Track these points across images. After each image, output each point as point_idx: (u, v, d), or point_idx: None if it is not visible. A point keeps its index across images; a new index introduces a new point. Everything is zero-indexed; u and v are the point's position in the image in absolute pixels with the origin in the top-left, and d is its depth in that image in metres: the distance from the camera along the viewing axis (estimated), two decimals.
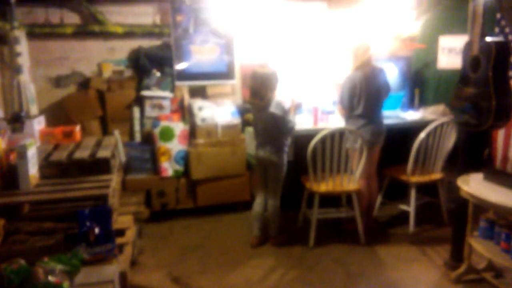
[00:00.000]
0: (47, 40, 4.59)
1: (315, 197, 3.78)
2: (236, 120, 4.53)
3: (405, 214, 4.16)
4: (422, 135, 3.89)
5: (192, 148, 4.41)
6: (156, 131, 4.35)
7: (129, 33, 4.70)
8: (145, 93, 4.48)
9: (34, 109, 4.16)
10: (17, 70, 4.04)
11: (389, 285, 3.28)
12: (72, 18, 4.63)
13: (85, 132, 4.18)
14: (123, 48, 4.78)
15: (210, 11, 4.75)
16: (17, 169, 2.55)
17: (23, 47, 4.11)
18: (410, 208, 4.06)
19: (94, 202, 2.71)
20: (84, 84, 4.70)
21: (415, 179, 4.02)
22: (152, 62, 4.67)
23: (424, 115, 4.59)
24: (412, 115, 4.58)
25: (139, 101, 4.57)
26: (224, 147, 4.44)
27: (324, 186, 3.77)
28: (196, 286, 3.28)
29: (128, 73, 4.70)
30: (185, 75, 4.76)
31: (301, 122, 4.24)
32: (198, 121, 4.40)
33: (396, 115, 4.60)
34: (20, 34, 4.09)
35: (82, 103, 4.49)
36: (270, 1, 4.89)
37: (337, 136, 3.60)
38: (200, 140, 4.41)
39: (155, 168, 4.42)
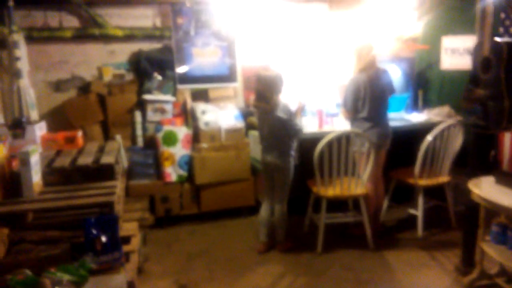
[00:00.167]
0: (46, 44, 4.52)
1: (323, 201, 3.71)
2: (239, 123, 4.47)
3: (412, 217, 4.10)
4: (429, 137, 3.83)
5: (196, 153, 4.34)
6: (159, 135, 4.28)
7: (129, 36, 4.64)
8: (147, 97, 4.41)
9: (34, 114, 4.07)
10: (16, 74, 3.97)
11: None
12: (71, 22, 4.56)
13: (86, 137, 4.09)
14: (123, 52, 4.71)
15: (211, 13, 4.71)
16: (20, 176, 2.47)
17: (22, 51, 4.04)
18: (418, 212, 4.00)
19: (99, 209, 2.65)
20: (85, 88, 4.63)
21: (423, 182, 3.96)
22: (153, 66, 4.60)
23: (429, 117, 4.53)
24: (417, 117, 4.53)
25: (141, 105, 4.50)
26: (228, 151, 4.38)
27: (331, 191, 3.71)
28: None
29: (129, 76, 4.64)
30: (186, 78, 4.70)
31: (306, 125, 4.17)
32: (201, 125, 4.33)
33: (400, 117, 4.54)
34: (19, 38, 4.01)
35: (83, 108, 4.42)
36: (272, 2, 4.84)
37: (344, 140, 3.54)
38: (204, 145, 4.34)
39: (159, 173, 4.35)
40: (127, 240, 2.94)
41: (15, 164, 2.58)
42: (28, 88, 4.08)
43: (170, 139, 4.28)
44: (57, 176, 2.71)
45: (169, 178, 4.30)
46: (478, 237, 3.10)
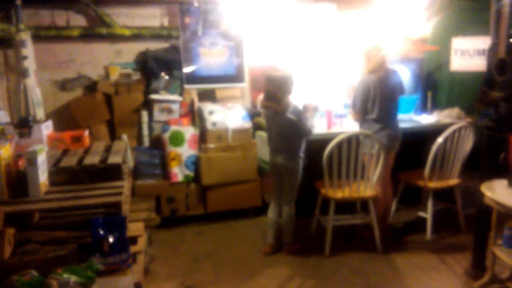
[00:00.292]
0: (53, 43, 4.50)
1: (331, 203, 3.67)
2: (247, 124, 4.43)
3: (421, 220, 4.05)
4: (440, 139, 3.78)
5: (203, 153, 4.31)
6: (166, 135, 4.25)
7: (136, 36, 4.61)
8: (154, 96, 4.38)
9: (40, 113, 4.05)
10: (23, 73, 3.95)
11: None
12: (78, 21, 4.54)
13: (92, 136, 4.06)
14: (130, 51, 4.69)
15: (219, 13, 4.67)
16: (27, 176, 2.44)
17: (29, 50, 4.02)
18: (428, 214, 3.94)
19: (106, 210, 2.62)
20: (91, 87, 4.60)
21: (433, 184, 3.91)
22: (160, 65, 4.57)
23: (439, 118, 4.48)
24: (426, 119, 4.48)
25: (147, 104, 4.47)
26: (235, 151, 4.35)
27: (340, 192, 3.66)
28: None
29: (135, 76, 4.60)
30: (194, 78, 4.67)
31: (315, 126, 4.13)
32: (208, 125, 4.30)
33: (410, 118, 4.50)
34: (26, 37, 4.00)
35: (89, 107, 4.40)
36: (280, 2, 4.80)
37: (354, 141, 3.49)
38: (211, 145, 4.30)
39: (165, 174, 4.31)
40: (133, 240, 2.92)
41: (22, 163, 2.55)
42: (35, 87, 4.06)
43: (177, 139, 4.25)
44: (63, 175, 2.68)
45: (176, 178, 4.27)
46: (490, 241, 3.05)
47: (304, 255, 3.72)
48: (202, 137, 4.41)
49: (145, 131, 4.44)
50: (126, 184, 2.78)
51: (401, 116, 4.22)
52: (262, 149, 4.37)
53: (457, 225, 4.13)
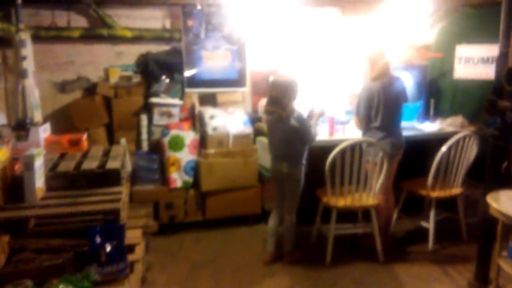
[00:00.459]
0: (53, 44, 4.44)
1: (333, 212, 3.61)
2: (248, 129, 4.37)
3: (422, 229, 4.01)
4: (444, 148, 3.73)
5: (203, 159, 4.24)
6: (166, 140, 4.18)
7: (138, 38, 4.55)
8: (154, 100, 4.32)
9: (38, 115, 3.98)
10: (21, 74, 3.88)
11: None
12: (79, 21, 4.48)
13: (90, 140, 3.99)
14: (131, 53, 4.63)
15: (222, 16, 4.61)
16: (23, 180, 2.37)
17: (28, 50, 3.95)
18: (430, 224, 3.89)
19: (103, 216, 2.55)
20: (90, 89, 4.54)
21: (436, 194, 3.86)
22: (161, 68, 4.51)
23: (442, 126, 4.43)
24: (429, 127, 4.43)
25: (147, 108, 4.41)
26: (236, 157, 4.28)
27: (342, 201, 3.60)
28: None
29: (136, 79, 4.54)
30: (195, 82, 4.62)
31: (318, 133, 4.07)
32: (209, 130, 4.23)
33: (412, 126, 4.44)
34: (25, 37, 3.93)
35: (88, 110, 4.33)
36: (284, 6, 4.75)
37: (357, 149, 3.43)
38: (211, 150, 4.24)
39: (164, 179, 4.25)
40: (131, 248, 2.85)
41: (18, 167, 2.48)
42: (33, 89, 3.99)
43: (177, 143, 4.18)
44: (61, 180, 2.61)
45: (174, 184, 4.20)
46: (495, 253, 3.00)
47: (304, 265, 3.66)
48: (202, 142, 4.35)
49: (144, 135, 4.38)
50: (124, 190, 2.71)
51: (403, 123, 4.15)
52: (263, 155, 4.31)
53: (459, 235, 4.09)
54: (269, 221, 3.74)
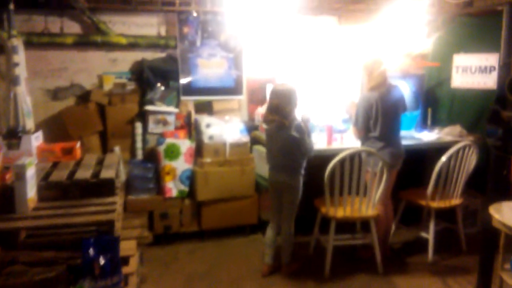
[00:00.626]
0: (46, 50, 4.36)
1: (331, 223, 3.54)
2: (245, 137, 4.30)
3: (421, 240, 3.96)
4: (444, 158, 3.68)
5: (199, 168, 4.17)
6: (161, 148, 4.10)
7: (132, 44, 4.48)
8: (149, 107, 4.24)
9: (30, 123, 3.88)
10: (13, 81, 3.79)
11: None
12: (72, 28, 4.40)
13: (83, 148, 3.91)
14: (125, 60, 4.55)
15: (218, 24, 4.56)
16: (14, 191, 2.28)
17: (20, 57, 3.86)
18: (429, 235, 3.83)
19: (97, 228, 2.47)
20: (84, 97, 4.45)
21: (435, 204, 3.80)
22: (156, 75, 4.44)
23: (440, 136, 4.39)
24: (427, 136, 4.39)
25: (142, 116, 4.33)
26: (232, 166, 4.21)
27: (341, 212, 3.53)
28: None
29: (130, 86, 4.46)
30: (191, 90, 4.55)
31: (316, 142, 4.01)
32: (205, 139, 4.16)
33: (410, 135, 4.40)
34: (18, 43, 3.84)
35: (81, 117, 4.24)
36: (280, 15, 4.71)
37: (357, 158, 3.38)
38: (207, 159, 4.16)
39: (159, 188, 4.16)
40: (125, 260, 2.76)
41: (9, 176, 2.40)
42: (25, 96, 3.89)
43: (173, 152, 4.10)
44: (53, 190, 2.53)
45: (170, 193, 4.12)
46: (497, 265, 2.94)
47: (302, 277, 3.58)
48: (198, 151, 4.28)
49: (139, 144, 4.29)
50: (118, 200, 2.63)
51: (402, 132, 4.12)
52: (260, 164, 4.24)
53: (458, 246, 4.03)
54: (266, 232, 3.66)
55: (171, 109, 4.34)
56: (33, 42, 4.21)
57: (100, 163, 2.98)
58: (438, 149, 3.98)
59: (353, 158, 3.38)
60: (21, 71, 3.84)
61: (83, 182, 2.56)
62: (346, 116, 4.53)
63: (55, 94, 4.45)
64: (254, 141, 4.47)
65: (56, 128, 4.24)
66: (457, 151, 3.69)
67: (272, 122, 3.43)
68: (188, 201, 4.22)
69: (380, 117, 3.54)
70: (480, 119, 4.42)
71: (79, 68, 4.47)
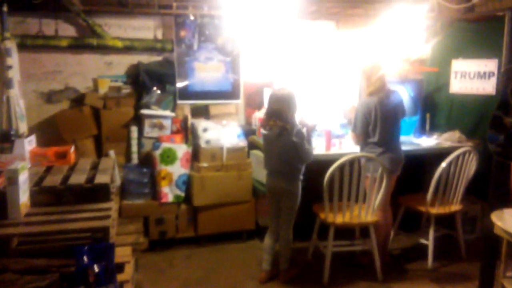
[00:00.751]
0: (40, 53, 4.32)
1: (330, 229, 3.49)
2: (242, 142, 4.25)
3: (420, 246, 3.92)
4: (444, 164, 3.64)
5: (195, 172, 4.11)
6: (157, 153, 4.04)
7: (128, 48, 4.44)
8: (145, 111, 4.19)
9: (23, 126, 3.82)
10: (6, 84, 3.73)
11: None
12: (67, 30, 4.36)
13: (77, 152, 3.84)
14: (121, 63, 4.52)
15: (216, 27, 4.53)
16: (7, 196, 2.22)
17: (14, 59, 3.81)
18: (429, 241, 3.79)
19: (92, 234, 2.40)
20: (78, 100, 4.41)
21: (435, 210, 3.76)
22: (152, 79, 4.39)
23: (439, 141, 4.36)
24: (426, 141, 4.35)
25: (138, 120, 4.28)
26: (229, 171, 4.16)
27: (340, 218, 3.48)
28: None
29: (126, 89, 4.42)
30: (187, 94, 4.51)
31: (315, 148, 3.96)
32: (202, 143, 4.11)
33: (409, 141, 4.36)
34: (11, 45, 3.79)
35: (76, 121, 4.19)
36: (278, 19, 4.67)
37: (356, 164, 3.33)
38: (204, 164, 4.11)
39: (154, 193, 4.10)
40: (120, 267, 2.70)
41: (1, 181, 2.33)
42: (18, 99, 3.83)
43: (169, 157, 4.04)
44: (46, 196, 2.46)
45: (166, 198, 4.06)
46: (499, 273, 2.89)
47: (301, 283, 3.53)
48: (195, 156, 4.22)
49: (134, 148, 4.24)
50: (113, 206, 2.57)
51: (401, 138, 4.09)
52: (257, 169, 4.19)
53: (458, 252, 3.99)
54: (265, 238, 3.60)
55: (167, 113, 4.29)
56: (27, 44, 4.17)
57: (94, 167, 2.92)
58: (437, 154, 3.95)
59: (353, 164, 3.33)
60: (14, 74, 3.79)
61: (77, 187, 2.51)
62: (344, 121, 4.50)
63: (49, 97, 4.40)
64: (252, 145, 4.42)
65: (50, 132, 4.19)
66: (457, 157, 3.66)
67: (272, 127, 3.37)
68: (184, 206, 4.17)
69: (379, 123, 3.50)
70: (479, 124, 4.39)
71: (73, 71, 4.42)
